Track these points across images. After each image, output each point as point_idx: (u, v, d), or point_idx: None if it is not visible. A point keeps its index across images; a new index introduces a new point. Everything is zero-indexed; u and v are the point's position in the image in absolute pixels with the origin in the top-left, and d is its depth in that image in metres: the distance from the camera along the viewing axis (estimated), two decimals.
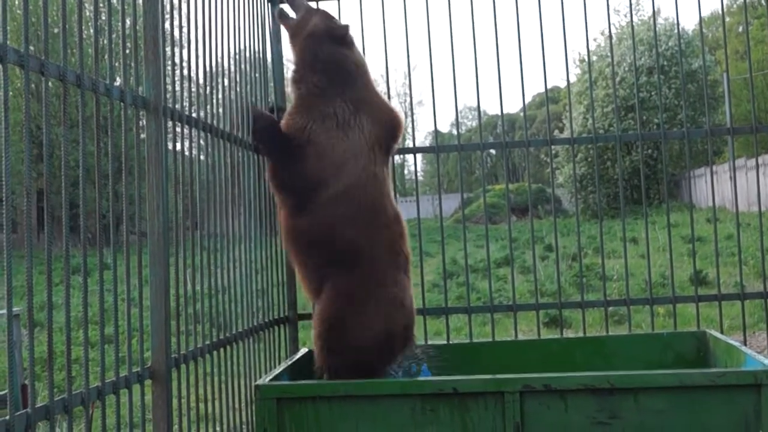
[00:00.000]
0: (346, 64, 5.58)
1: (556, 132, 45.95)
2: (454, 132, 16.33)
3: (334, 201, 5.25)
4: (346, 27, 5.71)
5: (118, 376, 3.77)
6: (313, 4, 6.55)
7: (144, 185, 4.11)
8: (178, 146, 4.57)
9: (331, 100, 5.40)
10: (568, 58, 6.55)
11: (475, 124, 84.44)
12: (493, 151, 68.77)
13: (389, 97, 6.39)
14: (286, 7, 6.02)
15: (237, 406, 5.17)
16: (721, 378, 4.12)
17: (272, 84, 6.49)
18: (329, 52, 5.56)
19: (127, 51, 4.02)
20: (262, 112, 5.86)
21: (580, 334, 6.39)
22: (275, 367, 5.60)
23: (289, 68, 6.08)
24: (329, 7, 6.58)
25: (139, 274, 4.01)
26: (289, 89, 5.92)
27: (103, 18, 3.82)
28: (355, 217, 5.26)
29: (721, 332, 5.76)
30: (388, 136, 5.56)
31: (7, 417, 2.91)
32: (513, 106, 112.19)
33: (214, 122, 5.03)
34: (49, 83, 3.26)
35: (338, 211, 5.25)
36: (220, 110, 5.24)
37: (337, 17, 6.13)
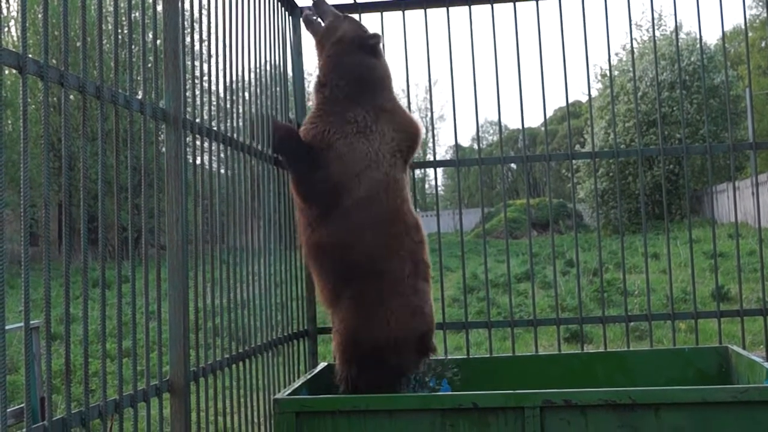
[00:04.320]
0: (372, 73, 5.58)
1: (577, 147, 45.80)
2: (475, 146, 16.31)
3: (355, 208, 5.25)
4: (377, 37, 5.70)
5: (136, 390, 3.77)
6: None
7: (163, 198, 4.12)
8: (198, 159, 4.57)
9: (352, 106, 5.40)
10: (590, 72, 6.55)
11: (496, 138, 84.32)
12: (513, 166, 68.67)
13: (410, 112, 6.39)
14: (311, 14, 5.96)
15: (256, 420, 5.16)
16: (744, 394, 4.08)
17: (293, 98, 6.50)
18: (357, 60, 5.56)
19: (148, 65, 4.03)
20: (282, 123, 5.85)
21: (601, 350, 6.35)
22: (294, 381, 5.60)
23: (312, 78, 6.03)
24: None
25: (158, 288, 4.01)
26: (311, 98, 5.88)
27: (125, 32, 3.83)
28: (376, 224, 5.26)
29: (743, 348, 5.73)
30: (407, 144, 5.55)
31: (24, 430, 2.91)
32: (534, 120, 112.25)
33: (234, 135, 5.03)
34: (70, 96, 3.27)
35: (359, 218, 5.24)
36: (240, 123, 5.24)
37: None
